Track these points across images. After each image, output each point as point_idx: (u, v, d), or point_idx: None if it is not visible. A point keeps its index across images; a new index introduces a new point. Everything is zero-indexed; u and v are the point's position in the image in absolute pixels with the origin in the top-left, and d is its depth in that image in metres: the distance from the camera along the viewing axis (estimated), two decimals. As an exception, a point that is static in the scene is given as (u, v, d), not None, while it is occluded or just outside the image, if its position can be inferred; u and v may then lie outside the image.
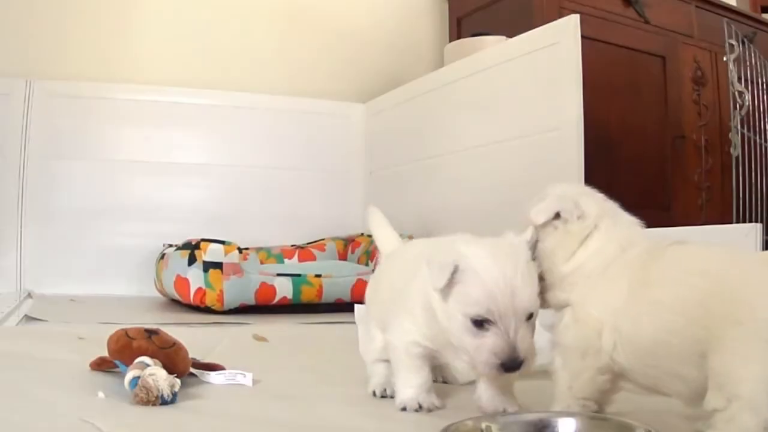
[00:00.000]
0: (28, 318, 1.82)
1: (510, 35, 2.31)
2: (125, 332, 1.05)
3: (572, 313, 0.87)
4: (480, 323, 0.84)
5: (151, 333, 1.05)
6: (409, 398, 0.96)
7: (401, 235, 2.39)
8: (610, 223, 0.90)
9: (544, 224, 0.91)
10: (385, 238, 1.24)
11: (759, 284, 0.74)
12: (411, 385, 0.96)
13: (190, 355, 1.10)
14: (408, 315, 0.95)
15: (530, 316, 0.86)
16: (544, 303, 0.90)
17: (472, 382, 0.99)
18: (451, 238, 0.94)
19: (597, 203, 0.92)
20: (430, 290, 0.90)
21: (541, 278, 0.90)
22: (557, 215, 0.90)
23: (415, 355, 0.96)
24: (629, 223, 0.92)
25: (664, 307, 0.78)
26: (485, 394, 0.95)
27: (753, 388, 0.69)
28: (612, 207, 0.93)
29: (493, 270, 0.85)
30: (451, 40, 2.99)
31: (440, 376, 1.15)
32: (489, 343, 0.84)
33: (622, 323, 0.82)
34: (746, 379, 0.70)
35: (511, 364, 0.83)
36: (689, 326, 0.75)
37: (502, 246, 0.90)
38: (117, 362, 1.05)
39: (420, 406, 0.95)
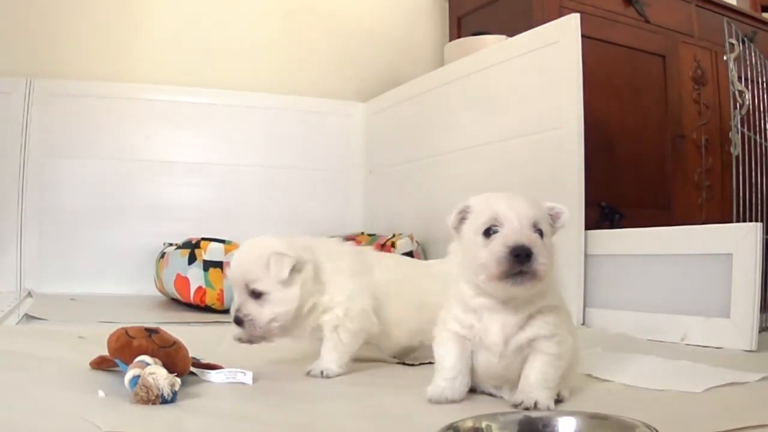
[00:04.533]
0: (28, 317, 1.82)
1: (510, 34, 2.31)
2: (125, 331, 1.05)
3: None
4: (488, 232, 0.93)
5: (151, 332, 1.05)
6: (438, 392, 0.98)
7: (400, 235, 2.42)
8: None
9: None
10: None
11: None
12: (443, 377, 0.99)
13: (191, 355, 1.10)
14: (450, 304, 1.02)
15: (537, 231, 0.93)
16: None
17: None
18: None
19: None
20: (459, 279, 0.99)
21: None
22: None
23: (451, 338, 1.00)
24: None
25: None
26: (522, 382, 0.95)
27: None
28: None
29: (495, 194, 0.98)
30: (451, 39, 2.99)
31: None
32: (497, 239, 0.91)
33: None
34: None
35: (519, 251, 0.89)
36: None
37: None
38: (117, 361, 1.05)
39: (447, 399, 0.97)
